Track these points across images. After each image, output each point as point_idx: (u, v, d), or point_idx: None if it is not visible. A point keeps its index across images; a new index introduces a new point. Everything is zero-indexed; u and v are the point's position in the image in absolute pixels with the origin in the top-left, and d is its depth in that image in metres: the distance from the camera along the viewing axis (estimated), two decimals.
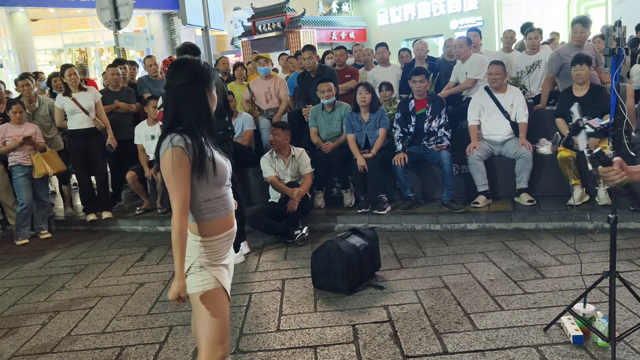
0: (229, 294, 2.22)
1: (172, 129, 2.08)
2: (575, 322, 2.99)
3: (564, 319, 3.06)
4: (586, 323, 2.91)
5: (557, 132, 5.38)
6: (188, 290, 2.11)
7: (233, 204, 2.27)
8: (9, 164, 6.12)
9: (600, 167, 2.20)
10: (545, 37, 8.79)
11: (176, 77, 2.12)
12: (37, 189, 6.22)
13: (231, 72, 8.37)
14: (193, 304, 2.16)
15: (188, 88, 2.09)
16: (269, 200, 5.65)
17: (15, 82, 7.00)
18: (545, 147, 5.47)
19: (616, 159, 2.17)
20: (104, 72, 7.58)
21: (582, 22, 5.89)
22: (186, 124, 2.09)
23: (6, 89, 7.35)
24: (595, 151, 2.32)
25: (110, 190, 6.95)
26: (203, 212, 2.13)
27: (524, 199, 5.28)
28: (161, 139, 2.10)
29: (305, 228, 5.31)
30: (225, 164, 2.20)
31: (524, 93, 5.91)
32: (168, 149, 2.03)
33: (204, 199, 2.12)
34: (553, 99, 6.18)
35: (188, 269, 2.12)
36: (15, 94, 8.34)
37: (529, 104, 5.83)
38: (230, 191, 2.26)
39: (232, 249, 2.30)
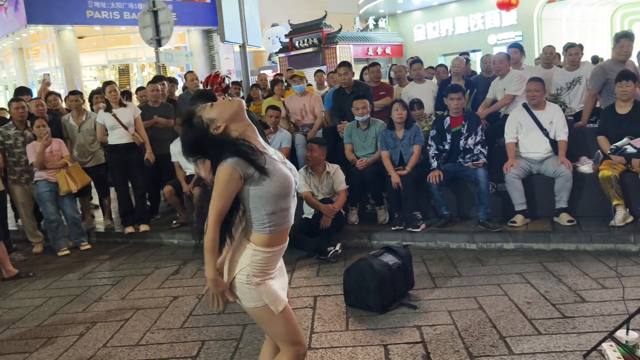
0: (284, 298, 2.28)
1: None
2: (618, 350, 2.87)
3: (605, 345, 2.95)
4: (629, 351, 2.79)
5: (599, 151, 5.30)
6: (243, 302, 2.24)
7: (293, 218, 2.31)
8: (35, 179, 6.22)
9: None
10: (587, 52, 8.60)
11: None
12: (65, 207, 6.31)
13: (269, 88, 8.48)
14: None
15: None
16: (303, 216, 5.66)
17: (66, 97, 7.29)
18: (586, 166, 5.32)
19: None
20: (137, 90, 7.81)
21: (628, 37, 5.72)
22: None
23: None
24: None
25: (148, 203, 7.10)
26: (265, 225, 2.20)
27: (564, 219, 5.13)
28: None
29: (339, 245, 5.29)
30: (288, 174, 2.22)
31: (563, 110, 5.78)
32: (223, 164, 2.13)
33: (268, 212, 2.18)
34: (594, 116, 6.02)
35: (237, 274, 2.21)
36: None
37: (569, 121, 5.70)
38: (294, 204, 2.30)
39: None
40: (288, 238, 2.32)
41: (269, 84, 8.72)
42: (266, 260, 2.22)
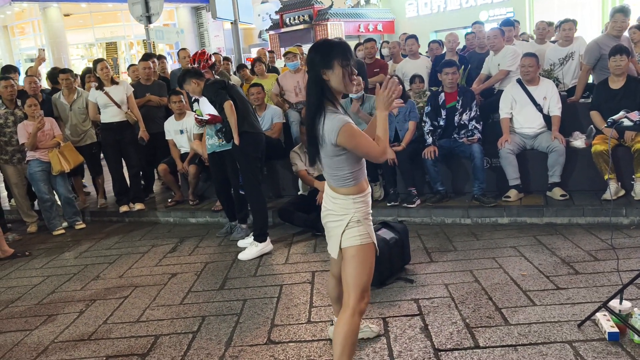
0: (376, 245, 2.58)
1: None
2: (611, 319, 2.94)
3: (599, 315, 3.02)
4: (622, 320, 2.86)
5: (592, 125, 5.35)
6: (345, 244, 2.50)
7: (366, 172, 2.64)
8: (27, 159, 6.19)
9: None
10: (580, 27, 8.56)
11: None
12: (58, 186, 6.30)
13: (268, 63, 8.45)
14: (346, 256, 2.51)
15: None
16: (299, 193, 5.69)
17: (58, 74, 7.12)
18: (579, 141, 5.37)
19: None
20: (129, 67, 7.71)
21: (623, 12, 5.68)
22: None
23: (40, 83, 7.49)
24: None
25: (142, 182, 7.08)
26: (350, 179, 2.52)
27: (557, 193, 5.20)
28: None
29: None
30: None
31: (557, 85, 5.80)
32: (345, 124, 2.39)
33: (351, 170, 2.51)
34: (587, 92, 6.05)
35: (347, 224, 2.49)
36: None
37: (563, 96, 5.72)
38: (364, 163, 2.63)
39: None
40: (369, 185, 2.64)
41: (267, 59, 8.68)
42: (364, 203, 2.54)
